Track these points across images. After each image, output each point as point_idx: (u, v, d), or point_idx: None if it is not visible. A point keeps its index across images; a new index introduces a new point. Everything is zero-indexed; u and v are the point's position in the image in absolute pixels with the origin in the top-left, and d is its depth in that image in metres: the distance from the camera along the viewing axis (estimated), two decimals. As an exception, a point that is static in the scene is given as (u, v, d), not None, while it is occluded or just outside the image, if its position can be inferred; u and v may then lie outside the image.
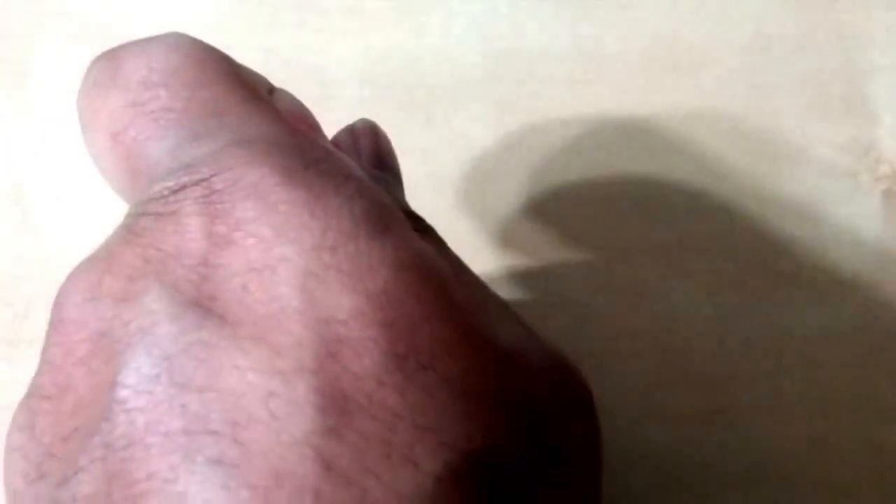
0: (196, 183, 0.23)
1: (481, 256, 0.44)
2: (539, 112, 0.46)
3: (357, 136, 0.34)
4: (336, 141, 0.34)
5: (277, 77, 0.46)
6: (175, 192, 0.23)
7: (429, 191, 0.45)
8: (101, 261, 0.24)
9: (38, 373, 0.24)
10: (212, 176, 0.23)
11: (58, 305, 0.24)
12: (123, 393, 0.22)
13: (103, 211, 0.45)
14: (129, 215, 0.24)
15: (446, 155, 0.46)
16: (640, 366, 0.43)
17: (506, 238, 0.45)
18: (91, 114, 0.26)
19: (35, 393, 0.24)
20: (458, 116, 0.46)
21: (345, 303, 0.22)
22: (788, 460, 0.42)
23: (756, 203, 0.44)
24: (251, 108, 0.27)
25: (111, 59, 0.27)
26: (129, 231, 0.24)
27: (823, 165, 0.45)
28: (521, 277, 0.44)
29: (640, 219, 0.44)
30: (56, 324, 0.24)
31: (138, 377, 0.22)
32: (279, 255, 0.22)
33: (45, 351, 0.24)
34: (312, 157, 0.24)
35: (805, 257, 0.44)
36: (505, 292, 0.44)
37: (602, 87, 0.46)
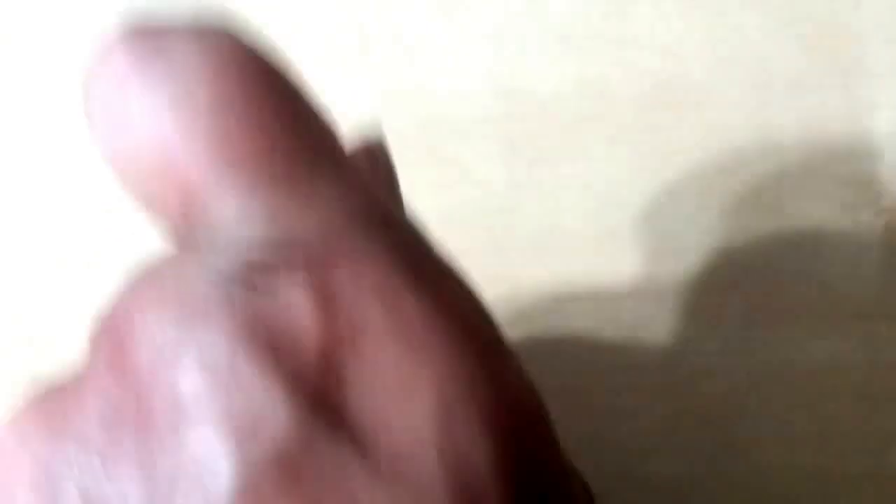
0: (307, 266, 0.19)
1: (489, 291, 0.45)
2: (547, 149, 0.47)
3: (375, 157, 0.30)
4: (354, 160, 0.30)
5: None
6: (274, 268, 0.19)
7: (439, 227, 0.46)
8: (190, 315, 0.19)
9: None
10: (326, 262, 0.20)
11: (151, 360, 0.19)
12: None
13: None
14: (206, 269, 0.20)
15: (456, 192, 0.47)
16: (649, 399, 0.44)
17: (514, 273, 0.46)
18: (124, 117, 0.21)
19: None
20: (468, 154, 0.47)
21: (480, 445, 0.19)
22: (795, 492, 0.43)
23: (760, 238, 0.45)
24: (339, 159, 0.22)
25: (155, 48, 0.21)
26: (220, 291, 0.19)
27: (825, 200, 0.46)
28: (530, 313, 0.45)
29: (646, 254, 0.45)
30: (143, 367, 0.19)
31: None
32: (413, 376, 0.19)
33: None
34: (424, 248, 0.21)
35: (808, 291, 0.45)
36: (514, 328, 0.45)
37: (608, 124, 0.47)
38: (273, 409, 0.18)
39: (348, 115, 0.48)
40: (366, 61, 0.48)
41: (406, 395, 0.19)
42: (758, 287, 0.45)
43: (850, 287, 0.45)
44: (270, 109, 0.21)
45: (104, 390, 0.19)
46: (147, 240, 0.47)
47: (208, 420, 0.18)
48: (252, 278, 0.19)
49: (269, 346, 0.19)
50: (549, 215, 0.46)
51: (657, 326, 0.45)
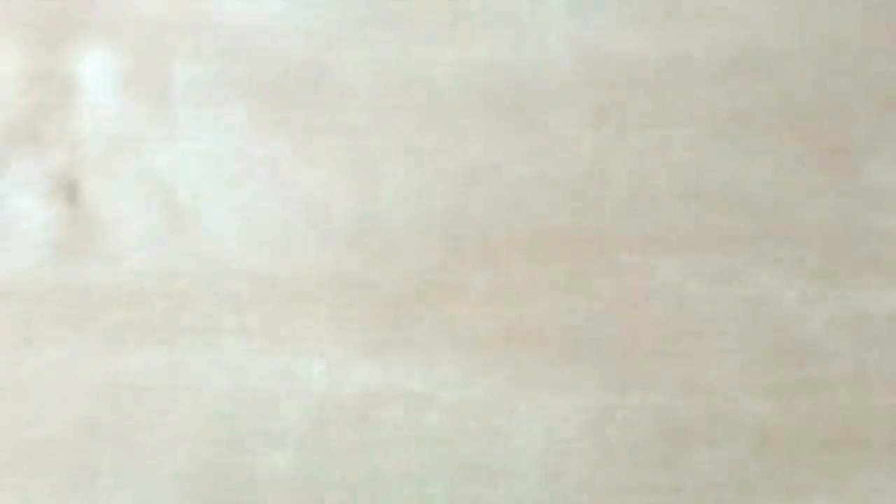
0: None
1: (584, 249, 0.49)
2: (632, 115, 0.50)
3: None
4: None
5: (391, 87, 0.51)
6: None
7: (533, 190, 0.50)
8: None
9: None
10: None
11: None
12: None
13: (244, 208, 0.50)
14: None
15: (548, 156, 0.50)
16: (733, 344, 0.48)
17: (606, 231, 0.49)
18: None
19: None
20: (557, 120, 0.51)
21: None
22: (869, 426, 0.47)
23: (834, 194, 0.49)
24: None
25: None
26: None
27: (891, 161, 0.49)
28: (622, 267, 0.49)
29: (728, 211, 0.49)
30: None
31: None
32: None
33: None
34: None
35: (880, 244, 0.48)
36: (606, 282, 0.49)
37: (690, 91, 0.51)
38: None
39: (443, 84, 0.51)
40: (457, 35, 0.52)
41: None
42: (833, 241, 0.49)
43: (918, 240, 0.49)
44: None
45: None
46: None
47: None
48: None
49: None
50: (635, 178, 0.50)
51: (740, 278, 0.49)
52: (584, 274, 0.49)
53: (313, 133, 0.51)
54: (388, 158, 0.51)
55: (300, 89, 0.51)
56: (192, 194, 0.51)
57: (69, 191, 0.51)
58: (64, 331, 0.50)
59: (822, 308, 0.48)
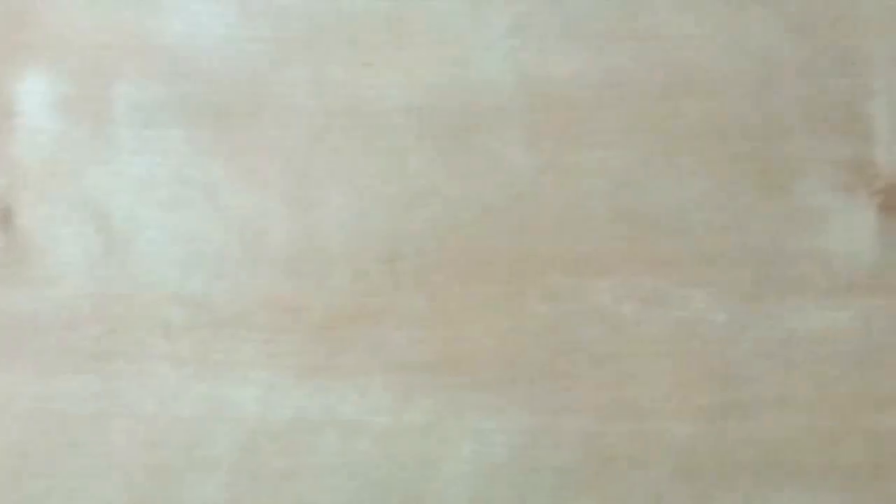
0: None
1: (519, 272, 0.49)
2: (569, 136, 0.51)
3: None
4: None
5: (331, 109, 0.51)
6: None
7: (469, 212, 0.50)
8: None
9: None
10: None
11: None
12: None
13: (180, 233, 0.50)
14: None
15: (486, 176, 0.50)
16: (664, 367, 0.48)
17: (540, 253, 0.49)
18: None
19: None
20: (495, 141, 0.51)
21: None
22: (796, 448, 0.47)
23: (765, 216, 0.49)
24: None
25: None
26: None
27: (823, 181, 0.49)
28: (555, 290, 0.49)
29: (661, 232, 0.49)
30: None
31: None
32: None
33: None
34: None
35: (808, 266, 0.49)
36: (540, 305, 0.49)
37: (626, 112, 0.51)
38: None
39: (385, 106, 0.51)
40: (399, 56, 0.52)
41: None
42: (763, 262, 0.49)
43: (848, 262, 0.49)
44: None
45: None
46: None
47: None
48: None
49: None
50: (570, 200, 0.50)
51: (671, 300, 0.49)
52: (518, 297, 0.49)
53: (252, 156, 0.51)
54: (326, 181, 0.51)
55: (240, 112, 0.51)
56: (127, 218, 0.51)
57: (4, 215, 0.51)
58: (-1, 356, 0.50)
59: (751, 330, 0.48)
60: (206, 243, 0.50)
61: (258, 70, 0.52)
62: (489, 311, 0.49)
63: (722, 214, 0.49)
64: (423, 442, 0.49)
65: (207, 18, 0.52)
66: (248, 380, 0.49)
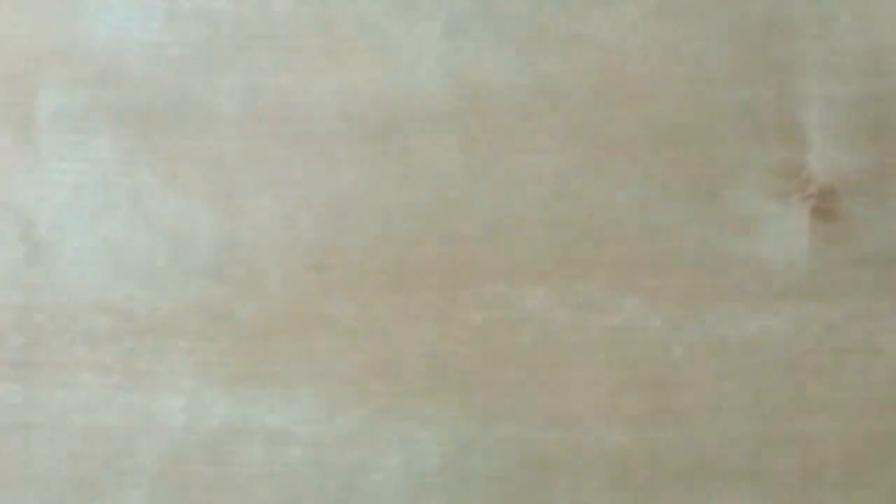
0: None
1: (450, 279, 0.49)
2: (502, 142, 0.50)
3: None
4: None
5: (260, 115, 0.50)
6: None
7: (400, 219, 0.49)
8: None
9: None
10: None
11: None
12: None
13: (106, 240, 0.49)
14: None
15: (416, 185, 0.50)
16: (597, 375, 0.48)
17: (472, 260, 0.49)
18: None
19: None
20: (428, 148, 0.50)
21: None
22: (728, 454, 0.47)
23: (697, 221, 0.49)
24: None
25: None
26: None
27: (758, 187, 0.49)
28: (487, 297, 0.49)
29: (594, 239, 0.49)
30: None
31: None
32: None
33: None
34: None
35: (742, 271, 0.48)
36: (472, 312, 0.48)
37: (559, 118, 0.50)
38: None
39: (316, 112, 0.50)
40: (330, 61, 0.51)
41: None
42: (696, 268, 0.49)
43: (781, 268, 0.49)
44: None
45: None
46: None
47: None
48: None
49: None
50: (502, 206, 0.50)
51: (604, 306, 0.48)
52: (450, 304, 0.49)
53: (179, 162, 0.50)
54: (255, 188, 0.50)
55: (167, 117, 0.51)
56: (52, 226, 0.50)
57: (-77, 224, 0.50)
58: (-82, 368, 0.49)
59: (684, 337, 0.48)
60: (132, 251, 0.49)
61: (186, 76, 0.51)
62: (420, 319, 0.49)
63: (655, 220, 0.49)
64: (353, 451, 0.48)
65: (134, 23, 0.51)
66: (174, 389, 0.48)
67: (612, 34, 0.51)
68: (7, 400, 0.49)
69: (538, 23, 0.51)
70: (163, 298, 0.49)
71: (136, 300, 0.49)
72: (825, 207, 0.49)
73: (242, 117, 0.51)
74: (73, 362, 0.49)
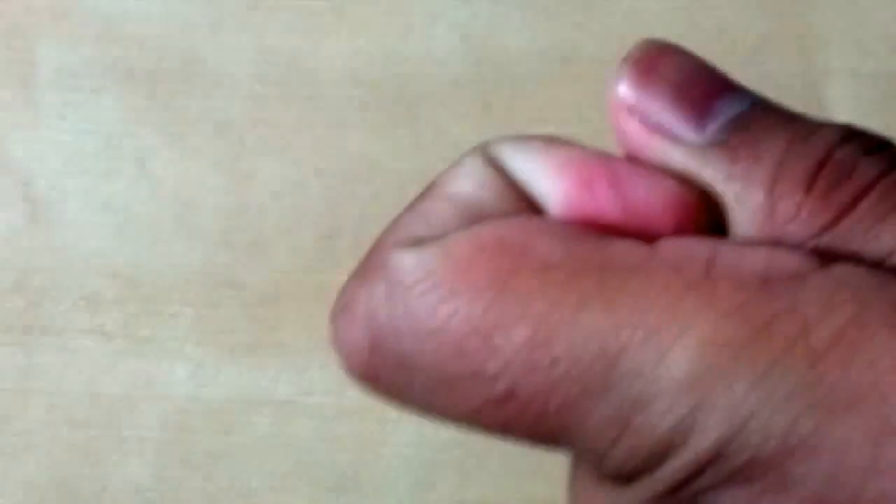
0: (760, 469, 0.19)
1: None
2: (519, 110, 0.49)
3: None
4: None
5: (269, 78, 0.49)
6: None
7: (412, 187, 0.48)
8: None
9: None
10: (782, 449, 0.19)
11: None
12: None
13: (109, 203, 0.48)
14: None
15: (431, 152, 0.49)
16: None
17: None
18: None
19: None
20: (442, 115, 0.49)
21: None
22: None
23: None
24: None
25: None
26: None
27: (782, 162, 0.48)
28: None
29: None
30: None
31: None
32: None
33: None
34: None
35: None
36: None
37: (578, 86, 0.49)
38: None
39: (327, 77, 0.50)
40: (342, 24, 0.50)
41: None
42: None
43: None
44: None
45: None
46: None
47: None
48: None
49: None
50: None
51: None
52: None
53: (185, 125, 0.49)
54: (263, 152, 0.49)
55: (173, 78, 0.50)
56: (52, 187, 0.49)
57: (-79, 182, 0.49)
58: (-87, 330, 0.48)
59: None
60: (136, 214, 0.48)
61: (194, 35, 0.50)
62: (433, 289, 0.48)
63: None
64: (363, 423, 0.47)
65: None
66: (178, 357, 0.47)
67: (634, 2, 0.50)
68: (6, 364, 0.47)
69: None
70: (167, 263, 0.48)
71: (140, 265, 0.48)
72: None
73: (251, 79, 0.50)
74: (74, 327, 0.47)
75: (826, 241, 0.21)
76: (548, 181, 0.23)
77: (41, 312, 0.48)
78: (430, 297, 0.21)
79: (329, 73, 0.50)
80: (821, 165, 0.22)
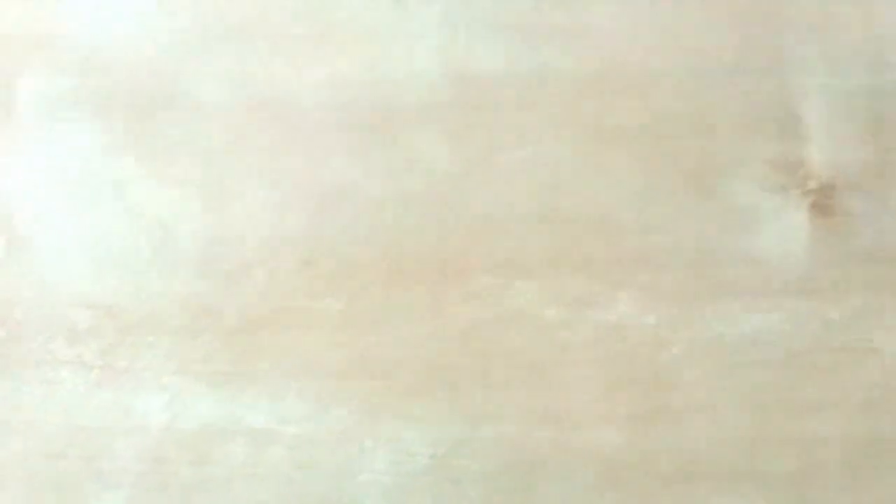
0: None
1: (440, 273, 0.48)
2: (496, 133, 0.49)
3: None
4: None
5: (248, 103, 0.49)
6: None
7: (390, 211, 0.48)
8: None
9: None
10: None
11: None
12: None
13: (88, 233, 0.48)
14: None
15: (409, 175, 0.49)
16: (589, 373, 0.47)
17: (465, 255, 0.48)
18: None
19: None
20: (420, 138, 0.49)
21: None
22: (722, 455, 0.46)
23: (693, 216, 0.48)
24: None
25: None
26: None
27: (757, 181, 0.48)
28: (479, 294, 0.47)
29: (587, 234, 0.48)
30: None
31: None
32: None
33: None
34: None
35: (739, 268, 0.47)
36: (461, 307, 0.47)
37: (556, 109, 0.49)
38: None
39: (307, 102, 0.49)
40: (320, 50, 0.50)
41: None
42: (693, 264, 0.47)
43: (779, 264, 0.47)
44: None
45: None
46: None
47: None
48: None
49: None
50: (495, 199, 0.48)
51: (598, 303, 0.47)
52: (439, 299, 0.48)
53: (164, 152, 0.49)
54: (241, 179, 0.49)
55: (152, 107, 0.50)
56: (32, 217, 0.49)
57: None
58: None
59: (679, 334, 0.47)
60: (115, 243, 0.48)
61: (173, 63, 0.50)
62: (408, 315, 0.47)
63: (651, 215, 0.48)
64: (339, 451, 0.47)
65: (121, 8, 0.50)
66: (156, 386, 0.47)
67: (610, 23, 0.50)
68: (-15, 396, 0.48)
69: (534, 11, 0.50)
70: (146, 293, 0.48)
71: (119, 295, 0.48)
72: (824, 203, 0.48)
73: (230, 106, 0.50)
74: (53, 358, 0.47)
75: None
76: None
77: (19, 344, 0.48)
78: None
79: (308, 99, 0.50)
80: None
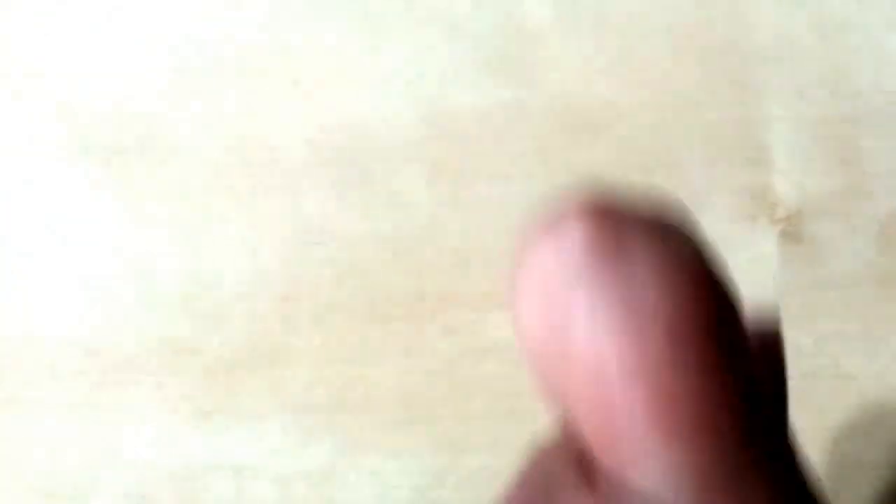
0: None
1: (418, 309, 0.48)
2: (470, 170, 0.50)
3: (767, 346, 0.25)
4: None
5: (225, 144, 0.50)
6: None
7: (369, 248, 0.49)
8: None
9: None
10: None
11: None
12: None
13: (69, 274, 0.49)
14: None
15: (383, 212, 0.49)
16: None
17: (440, 288, 0.49)
18: (561, 307, 0.19)
19: None
20: (395, 176, 0.50)
21: None
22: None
23: (666, 248, 0.49)
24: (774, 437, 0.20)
25: (616, 244, 0.18)
26: None
27: (725, 211, 0.49)
28: (457, 328, 0.48)
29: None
30: None
31: None
32: None
33: None
34: None
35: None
36: (440, 342, 0.48)
37: (525, 144, 0.50)
38: None
39: (282, 141, 0.50)
40: (296, 90, 0.51)
41: None
42: (665, 294, 0.48)
43: (747, 293, 0.48)
44: (723, 365, 0.18)
45: None
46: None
47: None
48: None
49: None
50: (470, 235, 0.49)
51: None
52: (418, 335, 0.48)
53: (143, 193, 0.50)
54: (220, 220, 0.50)
55: (130, 148, 0.50)
56: (12, 260, 0.49)
57: None
58: None
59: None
60: (94, 283, 0.49)
61: (150, 105, 0.51)
62: (388, 351, 0.48)
63: (623, 246, 0.49)
64: (323, 486, 0.47)
65: (98, 50, 0.51)
66: (139, 425, 0.48)
67: (577, 59, 0.51)
68: (-31, 439, 0.48)
69: (503, 49, 0.51)
70: (127, 333, 0.48)
71: (101, 334, 0.48)
72: (792, 230, 0.49)
73: (207, 147, 0.50)
74: (35, 399, 0.48)
75: None
76: None
77: (3, 383, 0.48)
78: None
79: (284, 139, 0.50)
80: None
